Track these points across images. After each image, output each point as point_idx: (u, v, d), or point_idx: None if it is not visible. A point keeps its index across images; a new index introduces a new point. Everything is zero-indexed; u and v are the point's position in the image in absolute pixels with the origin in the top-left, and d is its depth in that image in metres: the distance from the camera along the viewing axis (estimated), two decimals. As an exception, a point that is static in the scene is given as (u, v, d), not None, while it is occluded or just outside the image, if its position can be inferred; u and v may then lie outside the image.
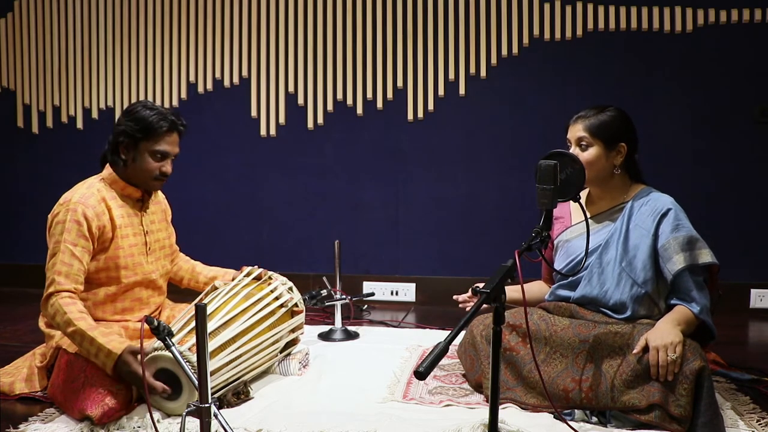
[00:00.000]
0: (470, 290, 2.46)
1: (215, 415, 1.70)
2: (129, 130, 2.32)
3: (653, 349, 1.98)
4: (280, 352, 2.52)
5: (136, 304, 2.44)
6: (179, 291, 2.79)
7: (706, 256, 2.16)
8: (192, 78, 3.99)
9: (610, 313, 2.22)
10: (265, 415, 2.14)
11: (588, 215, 2.11)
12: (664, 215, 2.19)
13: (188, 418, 1.67)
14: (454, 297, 2.48)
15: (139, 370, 2.05)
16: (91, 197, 2.29)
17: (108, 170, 2.39)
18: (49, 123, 4.14)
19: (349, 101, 3.86)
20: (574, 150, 2.26)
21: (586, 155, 2.22)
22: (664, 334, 2.00)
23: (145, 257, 2.44)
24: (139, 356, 2.08)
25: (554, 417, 2.09)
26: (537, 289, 2.54)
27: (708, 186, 3.61)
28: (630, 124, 2.28)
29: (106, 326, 2.34)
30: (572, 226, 2.36)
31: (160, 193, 2.61)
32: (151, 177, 2.37)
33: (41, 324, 2.42)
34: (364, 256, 3.91)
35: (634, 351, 2.02)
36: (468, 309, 2.45)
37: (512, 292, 2.30)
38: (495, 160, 3.79)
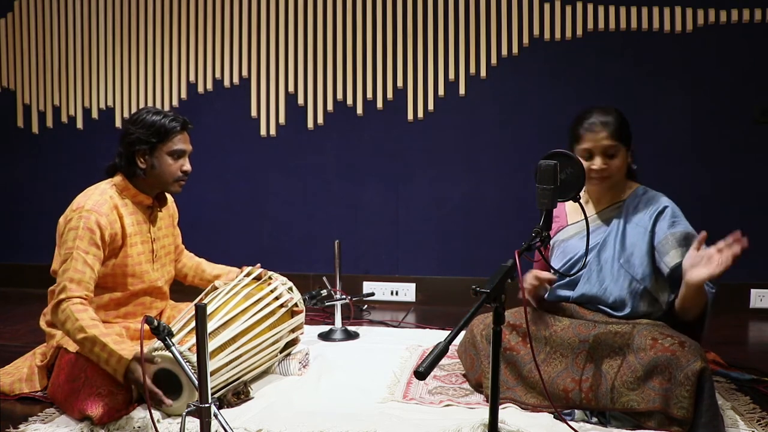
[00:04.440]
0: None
1: (215, 415, 1.70)
2: (143, 137, 2.31)
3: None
4: (280, 352, 2.53)
5: (139, 309, 2.44)
6: (180, 291, 2.79)
7: None
8: (192, 78, 3.99)
9: (610, 311, 2.22)
10: (265, 415, 2.14)
11: (587, 215, 2.11)
12: (661, 213, 2.21)
13: (188, 418, 1.68)
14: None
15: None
16: (105, 204, 2.29)
17: (120, 177, 2.38)
18: (49, 123, 4.14)
19: (349, 101, 3.86)
20: (597, 160, 2.20)
21: (616, 162, 2.20)
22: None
23: (152, 265, 2.44)
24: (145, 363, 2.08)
25: (554, 417, 2.09)
26: None
27: (708, 186, 3.61)
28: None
29: (107, 327, 2.34)
30: (568, 226, 2.37)
31: (169, 197, 2.60)
32: (173, 178, 2.37)
33: (42, 323, 2.42)
34: (364, 256, 3.91)
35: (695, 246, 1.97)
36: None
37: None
38: (495, 160, 3.78)
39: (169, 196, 2.58)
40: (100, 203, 2.28)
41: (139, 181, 2.37)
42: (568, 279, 2.30)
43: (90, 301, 2.23)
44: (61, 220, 2.31)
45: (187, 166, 2.39)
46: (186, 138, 2.40)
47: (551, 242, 2.41)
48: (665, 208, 2.21)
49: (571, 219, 2.37)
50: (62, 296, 2.17)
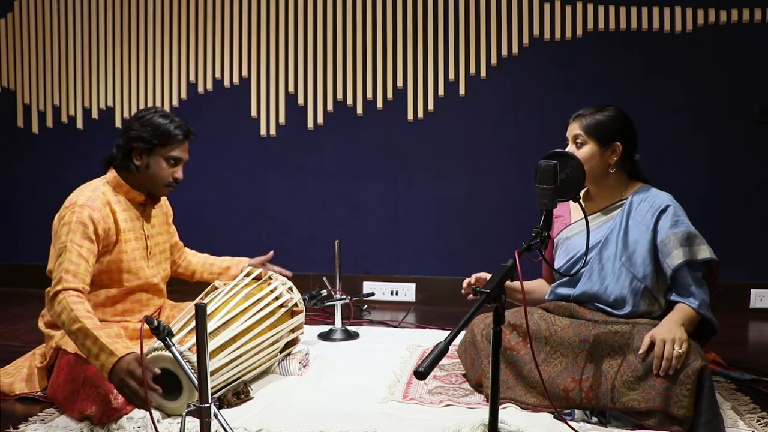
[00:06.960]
0: (470, 290, 2.46)
1: (215, 415, 1.70)
2: (146, 136, 2.34)
3: (660, 341, 1.98)
4: (280, 352, 2.53)
5: (136, 306, 2.44)
6: (180, 291, 2.79)
7: (705, 252, 2.17)
8: (192, 78, 3.99)
9: (610, 310, 2.22)
10: (265, 415, 2.14)
11: (587, 214, 2.12)
12: (663, 211, 2.21)
13: (188, 418, 1.67)
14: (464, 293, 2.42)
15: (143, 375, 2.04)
16: (97, 200, 2.30)
17: (112, 173, 2.39)
18: (49, 123, 4.14)
19: (349, 101, 3.86)
20: (570, 147, 2.30)
21: (580, 153, 2.25)
22: (670, 330, 2.01)
23: (146, 262, 2.44)
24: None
25: (554, 417, 2.09)
26: (538, 286, 2.55)
27: (707, 186, 3.61)
28: (627, 125, 2.29)
29: (105, 326, 2.34)
30: (572, 224, 2.38)
31: None
32: (163, 183, 2.40)
33: (40, 324, 2.42)
34: (364, 256, 3.91)
35: (640, 351, 2.01)
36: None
37: (514, 292, 2.31)
38: (495, 160, 3.78)
39: None
40: (93, 198, 2.29)
41: (130, 177, 2.39)
42: (569, 277, 2.30)
43: (86, 295, 2.22)
44: (56, 218, 2.32)
45: (179, 174, 2.42)
46: (185, 147, 2.43)
47: (555, 240, 2.42)
48: (668, 206, 2.21)
49: (575, 216, 2.39)
50: (58, 287, 2.17)
